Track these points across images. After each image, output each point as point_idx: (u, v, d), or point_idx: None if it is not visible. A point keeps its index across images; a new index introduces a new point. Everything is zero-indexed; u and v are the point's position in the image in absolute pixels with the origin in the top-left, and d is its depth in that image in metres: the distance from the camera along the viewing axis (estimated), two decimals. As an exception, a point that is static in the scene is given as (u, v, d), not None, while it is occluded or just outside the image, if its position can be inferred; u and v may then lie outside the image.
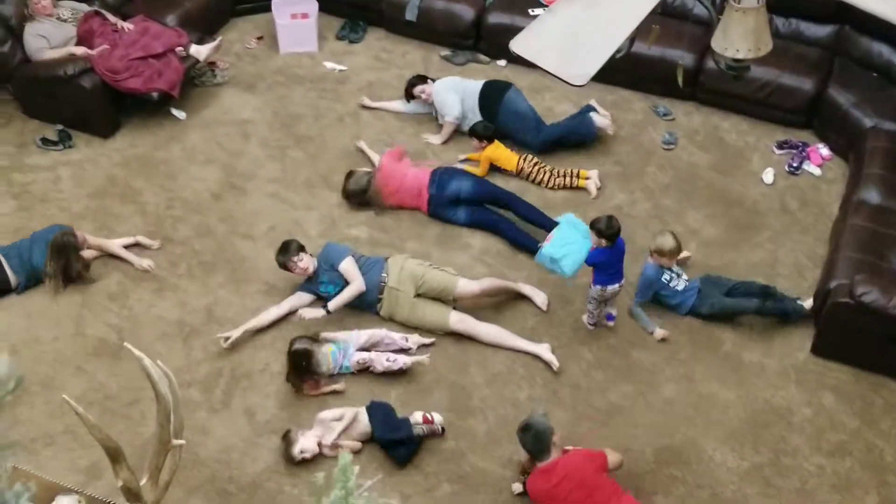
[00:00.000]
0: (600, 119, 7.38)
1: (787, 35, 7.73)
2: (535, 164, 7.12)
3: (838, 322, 5.77)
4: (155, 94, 7.37)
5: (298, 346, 5.66)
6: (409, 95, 7.62)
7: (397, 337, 5.93)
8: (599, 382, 5.80)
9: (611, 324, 6.10)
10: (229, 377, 5.79)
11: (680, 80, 4.77)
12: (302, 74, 8.19)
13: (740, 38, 3.50)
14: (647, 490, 5.26)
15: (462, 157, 7.32)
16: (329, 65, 8.27)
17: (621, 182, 7.14)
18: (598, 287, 5.85)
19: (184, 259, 6.50)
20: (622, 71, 7.56)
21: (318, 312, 6.00)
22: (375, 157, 7.14)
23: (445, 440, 5.47)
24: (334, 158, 7.30)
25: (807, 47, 7.63)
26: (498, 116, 7.36)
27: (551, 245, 5.82)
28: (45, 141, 7.36)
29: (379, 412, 5.44)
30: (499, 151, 7.17)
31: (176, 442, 3.40)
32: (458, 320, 6.03)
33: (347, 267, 6.06)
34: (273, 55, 8.40)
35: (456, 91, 7.45)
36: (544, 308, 6.19)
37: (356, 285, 6.02)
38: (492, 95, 7.41)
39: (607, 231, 5.68)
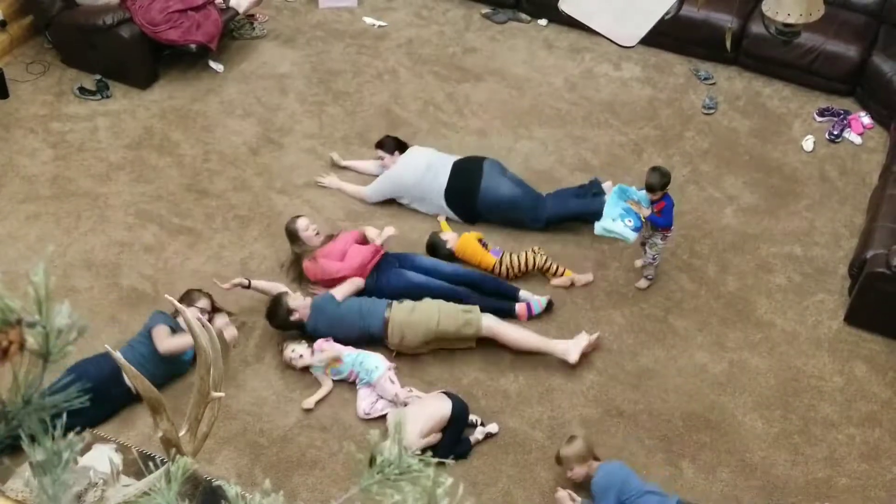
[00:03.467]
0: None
1: (833, 1, 7.59)
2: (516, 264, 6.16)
3: (873, 292, 5.72)
4: (193, 46, 7.38)
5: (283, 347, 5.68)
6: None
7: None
8: (630, 346, 5.80)
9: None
10: (262, 331, 5.82)
11: (728, 43, 4.73)
12: (341, 29, 8.16)
13: (793, 2, 3.45)
14: (674, 454, 5.27)
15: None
16: (368, 20, 8.23)
17: (659, 146, 7.09)
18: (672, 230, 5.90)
19: (219, 212, 6.53)
20: (665, 33, 7.44)
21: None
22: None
23: (477, 399, 5.49)
24: (371, 116, 7.29)
25: (853, 14, 7.51)
26: (477, 209, 6.46)
27: (604, 219, 5.84)
28: (82, 90, 7.39)
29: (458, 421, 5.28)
30: (469, 247, 6.26)
31: (215, 394, 3.43)
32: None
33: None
34: (312, 9, 8.37)
35: (400, 185, 6.53)
36: (571, 359, 5.62)
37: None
38: (462, 188, 6.43)
39: (665, 181, 5.68)
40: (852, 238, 6.38)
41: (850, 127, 7.20)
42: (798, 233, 6.49)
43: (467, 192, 6.40)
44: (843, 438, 5.38)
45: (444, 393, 5.35)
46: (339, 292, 5.76)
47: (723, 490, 5.13)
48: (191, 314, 3.41)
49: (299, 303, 5.67)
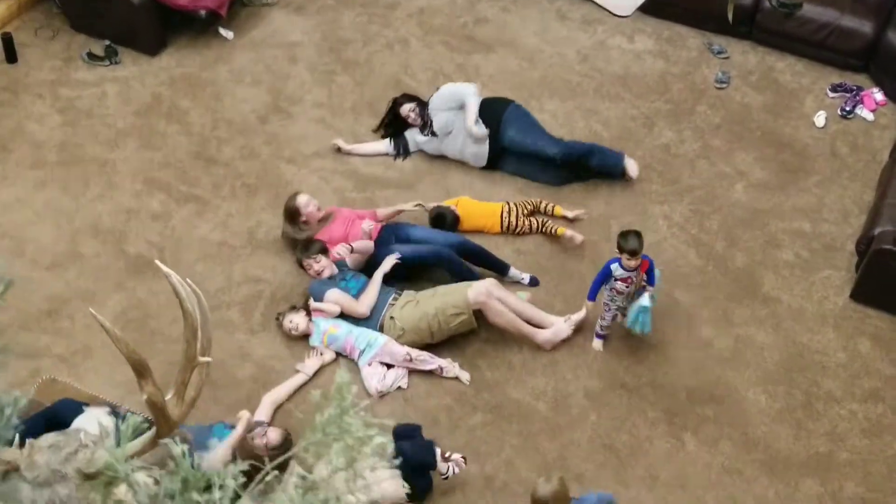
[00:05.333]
0: (632, 166, 6.52)
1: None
2: (520, 214, 6.28)
3: (880, 268, 5.71)
4: (203, 13, 7.33)
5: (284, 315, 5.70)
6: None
7: (432, 366, 5.52)
8: (636, 320, 5.80)
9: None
10: (268, 300, 5.84)
11: (730, 15, 4.67)
12: (352, -3, 8.10)
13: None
14: (677, 427, 5.29)
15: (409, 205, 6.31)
16: (380, -12, 8.17)
17: (670, 120, 7.04)
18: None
19: (227, 181, 6.53)
20: (678, 5, 7.44)
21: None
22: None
23: (481, 370, 5.50)
24: (381, 85, 7.24)
25: (868, -11, 7.42)
26: (502, 141, 6.58)
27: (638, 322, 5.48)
28: (91, 56, 7.36)
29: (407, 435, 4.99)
30: (469, 211, 6.31)
31: (202, 359, 3.45)
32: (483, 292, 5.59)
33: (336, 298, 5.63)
34: (323, -23, 8.31)
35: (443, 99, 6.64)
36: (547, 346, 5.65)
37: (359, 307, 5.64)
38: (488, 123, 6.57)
39: (626, 247, 5.27)
40: (861, 215, 6.34)
41: (862, 103, 7.14)
42: (807, 209, 6.46)
43: (491, 122, 6.53)
44: (846, 414, 5.39)
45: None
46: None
47: (724, 463, 5.15)
48: (177, 279, 3.42)
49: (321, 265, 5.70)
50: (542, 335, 5.62)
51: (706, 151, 6.82)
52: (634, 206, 6.41)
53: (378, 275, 5.68)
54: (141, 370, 3.10)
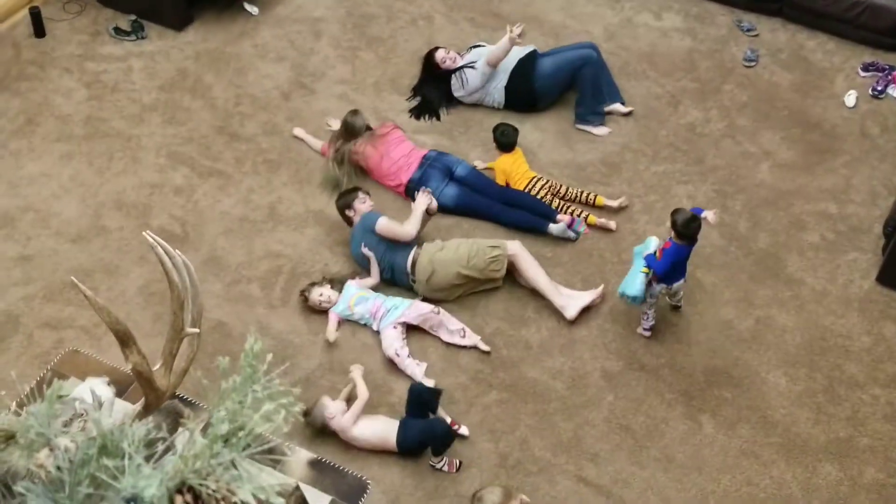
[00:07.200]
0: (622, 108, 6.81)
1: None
2: (547, 188, 6.27)
3: (908, 252, 5.61)
4: (228, -12, 7.38)
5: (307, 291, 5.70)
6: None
7: (456, 326, 5.56)
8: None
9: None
10: (289, 275, 5.85)
11: None
12: (378, -27, 8.06)
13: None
14: (695, 409, 5.24)
15: (481, 164, 6.49)
16: (405, -35, 8.12)
17: (696, 99, 6.95)
18: (663, 285, 5.39)
19: (249, 156, 6.54)
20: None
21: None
22: (317, 144, 6.58)
23: (498, 349, 5.49)
24: (404, 62, 7.22)
25: (903, -35, 7.27)
26: (535, 86, 6.77)
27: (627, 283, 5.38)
28: (118, 31, 7.40)
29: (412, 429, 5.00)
30: (514, 166, 6.31)
31: (189, 330, 3.46)
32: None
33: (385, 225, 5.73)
34: (349, -47, 8.28)
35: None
36: (568, 315, 5.61)
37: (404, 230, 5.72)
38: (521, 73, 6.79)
39: (682, 230, 5.18)
40: (890, 196, 6.24)
41: (894, 83, 7.00)
42: (834, 190, 6.36)
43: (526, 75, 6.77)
44: (868, 399, 5.31)
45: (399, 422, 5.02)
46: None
47: (741, 446, 5.10)
48: (163, 250, 3.43)
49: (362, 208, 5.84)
50: (562, 298, 5.62)
51: (732, 131, 6.72)
52: (658, 186, 6.35)
53: (419, 203, 5.82)
54: (125, 339, 3.12)
